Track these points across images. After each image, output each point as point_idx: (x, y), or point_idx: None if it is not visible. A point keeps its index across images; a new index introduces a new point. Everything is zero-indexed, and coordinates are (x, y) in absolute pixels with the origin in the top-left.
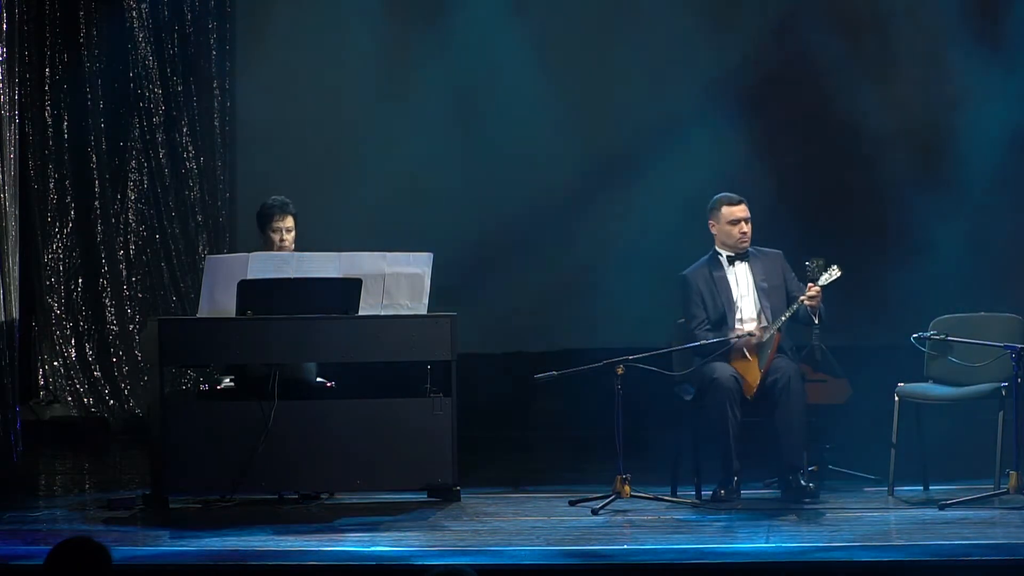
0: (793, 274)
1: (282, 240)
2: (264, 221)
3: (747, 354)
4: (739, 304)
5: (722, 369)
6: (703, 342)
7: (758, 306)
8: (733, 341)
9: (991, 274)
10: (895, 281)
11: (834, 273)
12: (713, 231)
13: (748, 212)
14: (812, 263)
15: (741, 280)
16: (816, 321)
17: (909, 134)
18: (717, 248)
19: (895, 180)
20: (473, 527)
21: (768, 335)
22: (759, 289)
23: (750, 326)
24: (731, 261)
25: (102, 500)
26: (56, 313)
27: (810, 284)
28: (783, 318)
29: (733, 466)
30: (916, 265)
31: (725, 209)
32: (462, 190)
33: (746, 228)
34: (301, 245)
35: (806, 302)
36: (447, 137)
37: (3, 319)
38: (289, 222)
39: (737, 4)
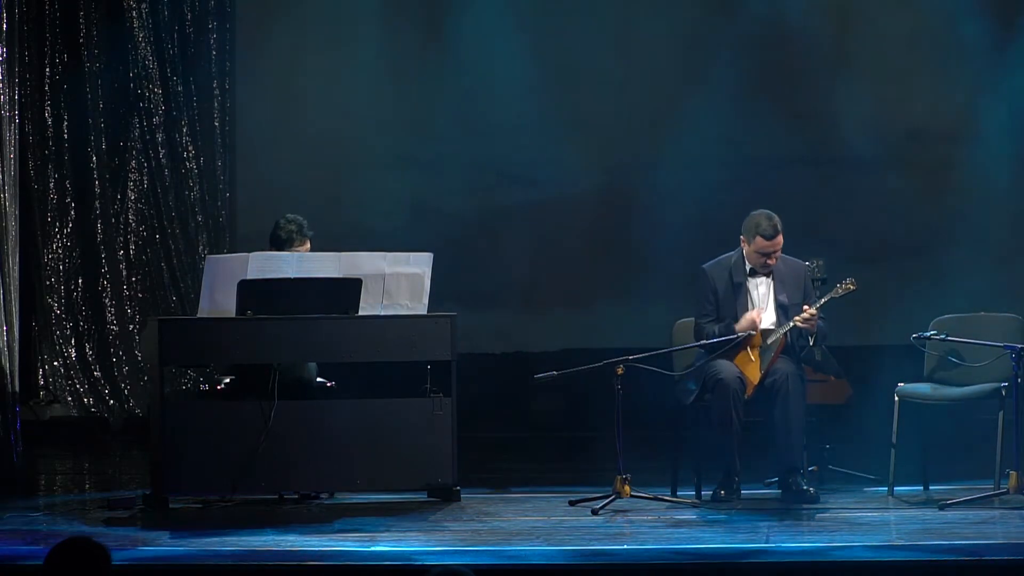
0: (814, 290)
1: None
2: (279, 246)
3: (750, 354)
4: None
5: (728, 369)
6: (703, 342)
7: (774, 321)
8: (736, 337)
9: (991, 274)
10: (895, 281)
11: (849, 287)
12: (742, 246)
13: (781, 243)
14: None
15: (761, 292)
16: (811, 343)
17: (910, 134)
18: (744, 255)
19: (896, 179)
20: (473, 527)
21: (772, 339)
22: (778, 305)
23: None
24: (753, 273)
25: (102, 500)
26: (56, 313)
27: (805, 306)
28: (790, 325)
29: (734, 466)
30: (916, 264)
31: (759, 240)
32: (463, 190)
33: (773, 260)
34: None
35: (799, 324)
36: (447, 137)
37: (3, 319)
38: (307, 247)
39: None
